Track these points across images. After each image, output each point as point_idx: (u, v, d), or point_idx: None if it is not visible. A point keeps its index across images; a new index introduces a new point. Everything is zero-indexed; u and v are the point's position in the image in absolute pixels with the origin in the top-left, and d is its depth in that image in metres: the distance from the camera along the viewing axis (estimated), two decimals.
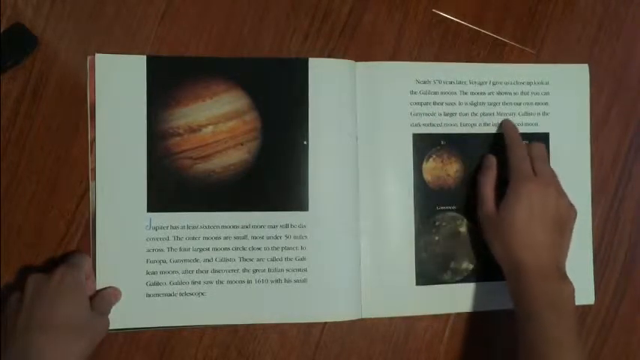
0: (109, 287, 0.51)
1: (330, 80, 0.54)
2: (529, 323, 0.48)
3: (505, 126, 0.56)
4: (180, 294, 0.52)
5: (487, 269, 0.56)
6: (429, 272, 0.56)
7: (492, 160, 0.55)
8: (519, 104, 0.57)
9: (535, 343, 0.47)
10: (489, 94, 0.57)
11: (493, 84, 0.57)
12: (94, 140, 0.52)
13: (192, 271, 0.53)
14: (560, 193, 0.52)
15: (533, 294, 0.48)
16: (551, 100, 0.58)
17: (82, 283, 0.48)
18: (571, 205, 0.52)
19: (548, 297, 0.48)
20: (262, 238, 0.53)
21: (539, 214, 0.50)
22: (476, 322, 0.57)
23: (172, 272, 0.52)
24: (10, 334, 0.44)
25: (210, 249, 0.53)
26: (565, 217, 0.52)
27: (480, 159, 0.56)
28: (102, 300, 0.50)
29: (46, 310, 0.45)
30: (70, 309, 0.46)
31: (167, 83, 0.53)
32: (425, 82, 0.56)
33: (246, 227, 0.53)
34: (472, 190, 0.56)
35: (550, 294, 0.48)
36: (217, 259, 0.53)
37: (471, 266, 0.56)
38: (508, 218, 0.50)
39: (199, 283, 0.53)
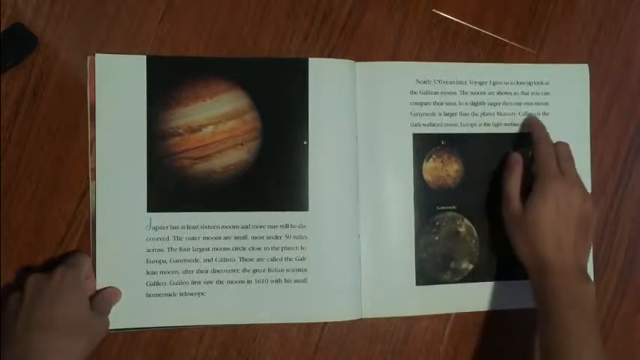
0: (109, 287, 0.51)
1: (330, 80, 0.54)
2: (551, 321, 0.48)
3: (532, 124, 0.56)
4: (180, 294, 0.52)
5: (487, 269, 0.56)
6: (429, 272, 0.56)
7: (518, 158, 0.54)
8: (519, 104, 0.57)
9: (556, 342, 0.47)
10: (489, 94, 0.57)
11: (493, 84, 0.57)
12: (94, 140, 0.52)
13: (192, 271, 0.53)
14: (585, 195, 0.52)
15: (557, 293, 0.49)
16: (551, 100, 0.58)
17: (82, 282, 0.48)
18: (594, 208, 0.52)
19: (571, 296, 0.48)
20: (262, 238, 0.53)
21: (565, 214, 0.50)
22: (476, 322, 0.57)
23: (172, 272, 0.52)
24: (9, 334, 0.44)
25: (210, 249, 0.53)
26: (588, 218, 0.52)
27: (504, 156, 0.56)
28: (102, 300, 0.50)
29: (45, 310, 0.45)
30: (69, 309, 0.46)
31: (167, 83, 0.53)
32: (425, 82, 0.56)
33: (246, 227, 0.53)
34: (472, 190, 0.56)
35: (573, 293, 0.48)
36: (217, 259, 0.53)
37: (470, 266, 0.56)
38: (534, 217, 0.50)
39: (199, 283, 0.53)
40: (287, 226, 0.53)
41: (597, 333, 0.48)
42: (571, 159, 0.54)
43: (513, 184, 0.53)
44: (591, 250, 0.57)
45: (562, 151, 0.54)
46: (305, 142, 0.54)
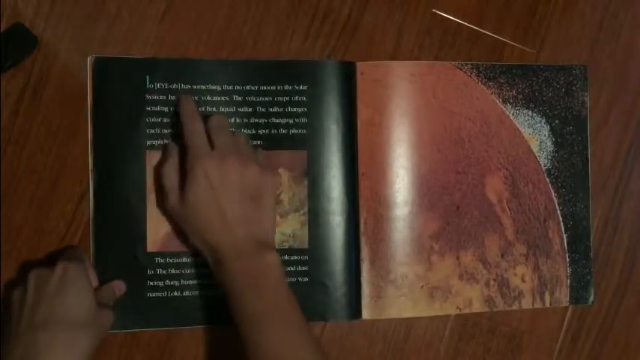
0: (115, 280, 0.51)
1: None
2: (233, 304, 0.46)
3: (180, 100, 0.51)
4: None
5: None
6: None
7: (171, 148, 0.50)
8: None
9: (241, 324, 0.45)
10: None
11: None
12: (94, 140, 0.52)
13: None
14: (244, 162, 0.47)
15: (232, 274, 0.46)
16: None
17: (85, 275, 0.47)
18: (262, 172, 0.48)
19: (246, 274, 0.45)
20: None
21: (222, 190, 0.46)
22: (476, 322, 0.57)
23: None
24: (14, 330, 0.43)
25: None
26: (255, 185, 0.48)
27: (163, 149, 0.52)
28: (106, 291, 0.49)
29: (49, 306, 0.44)
30: (74, 301, 0.45)
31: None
32: None
33: None
34: None
35: (248, 271, 0.46)
36: None
37: None
38: (191, 204, 0.46)
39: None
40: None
41: (288, 305, 0.45)
42: (222, 128, 0.49)
43: (167, 176, 0.48)
44: (591, 250, 0.58)
45: (214, 123, 0.49)
46: None
